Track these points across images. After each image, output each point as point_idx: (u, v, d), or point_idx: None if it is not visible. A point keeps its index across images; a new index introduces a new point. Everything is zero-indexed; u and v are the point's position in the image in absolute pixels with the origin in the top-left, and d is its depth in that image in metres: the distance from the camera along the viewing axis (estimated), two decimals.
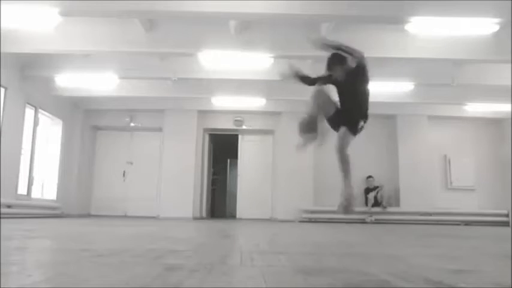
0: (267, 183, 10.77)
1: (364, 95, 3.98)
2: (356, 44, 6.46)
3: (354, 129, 3.87)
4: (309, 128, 3.90)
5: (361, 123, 3.89)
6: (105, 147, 11.09)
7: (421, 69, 8.10)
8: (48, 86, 8.91)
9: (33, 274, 1.31)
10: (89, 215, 10.37)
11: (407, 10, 5.50)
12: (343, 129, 3.89)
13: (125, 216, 10.21)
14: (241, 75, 8.05)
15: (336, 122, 3.93)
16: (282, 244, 2.79)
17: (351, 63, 3.92)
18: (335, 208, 4.04)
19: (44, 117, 9.39)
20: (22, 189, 8.36)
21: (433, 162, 10.63)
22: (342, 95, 4.05)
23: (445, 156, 10.81)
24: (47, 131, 9.60)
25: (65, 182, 9.86)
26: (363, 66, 3.91)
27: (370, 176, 10.23)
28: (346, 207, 3.86)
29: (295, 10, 5.48)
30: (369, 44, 6.74)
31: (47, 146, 9.58)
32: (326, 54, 3.95)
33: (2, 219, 5.83)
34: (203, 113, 10.72)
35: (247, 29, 6.77)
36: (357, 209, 4.06)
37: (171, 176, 10.28)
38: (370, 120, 4.03)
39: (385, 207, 9.98)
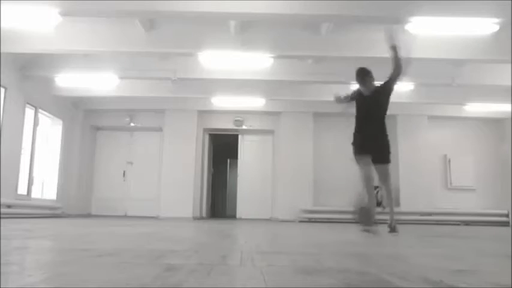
0: (267, 183, 10.77)
1: (385, 110, 4.21)
2: (356, 44, 6.45)
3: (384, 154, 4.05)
4: (367, 217, 3.93)
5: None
6: (105, 147, 11.09)
7: (421, 69, 8.10)
8: (48, 86, 8.92)
9: (33, 274, 1.31)
10: (89, 215, 10.38)
11: (407, 10, 5.50)
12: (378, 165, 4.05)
13: (125, 216, 10.21)
14: (241, 75, 8.05)
15: (363, 148, 4.04)
16: (282, 244, 2.79)
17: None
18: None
19: (44, 117, 9.40)
20: (22, 189, 8.36)
21: (433, 162, 10.64)
22: (366, 112, 4.15)
23: (445, 156, 10.81)
24: (47, 131, 9.61)
25: (65, 182, 9.86)
26: (393, 77, 4.01)
27: None
28: (364, 216, 3.87)
29: (295, 10, 5.49)
30: (369, 44, 6.75)
31: (47, 146, 9.58)
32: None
33: (2, 219, 5.83)
34: (203, 113, 10.73)
35: (247, 29, 6.77)
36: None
37: (171, 176, 10.28)
38: None
39: (384, 207, 9.96)
